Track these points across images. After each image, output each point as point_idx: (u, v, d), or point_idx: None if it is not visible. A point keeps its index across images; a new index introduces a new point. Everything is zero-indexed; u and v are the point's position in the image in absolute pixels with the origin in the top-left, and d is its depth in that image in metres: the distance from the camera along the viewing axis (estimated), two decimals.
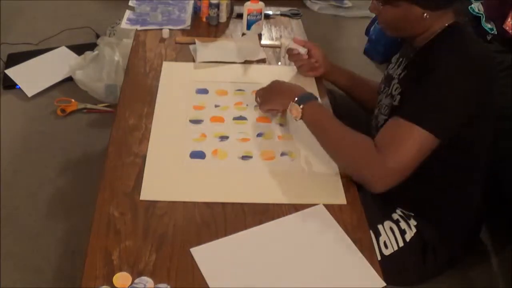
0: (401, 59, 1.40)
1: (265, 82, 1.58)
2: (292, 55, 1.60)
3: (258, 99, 1.44)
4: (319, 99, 1.41)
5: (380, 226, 1.35)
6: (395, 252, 1.34)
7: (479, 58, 1.21)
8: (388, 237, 1.34)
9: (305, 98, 1.29)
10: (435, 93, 1.16)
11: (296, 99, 1.29)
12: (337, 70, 1.64)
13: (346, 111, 1.62)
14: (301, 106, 1.27)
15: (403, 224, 1.36)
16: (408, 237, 1.35)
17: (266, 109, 1.41)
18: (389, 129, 1.19)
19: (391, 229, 1.35)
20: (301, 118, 1.28)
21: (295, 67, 1.64)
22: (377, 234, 1.34)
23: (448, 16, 1.25)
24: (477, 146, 1.32)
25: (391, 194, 1.32)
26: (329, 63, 1.62)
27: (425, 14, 1.22)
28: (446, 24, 1.25)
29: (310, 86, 1.58)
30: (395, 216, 1.38)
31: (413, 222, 1.36)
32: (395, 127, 1.17)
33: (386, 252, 1.33)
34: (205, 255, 1.05)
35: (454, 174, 1.33)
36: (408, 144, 1.14)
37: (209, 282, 1.00)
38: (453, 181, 1.34)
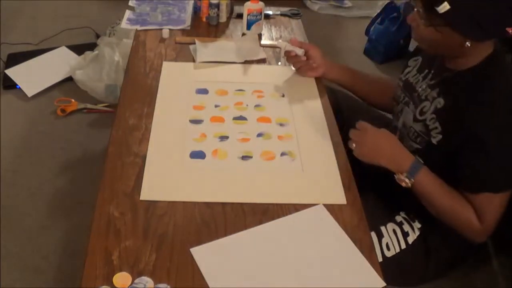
0: (427, 71, 1.35)
1: (265, 82, 1.58)
2: (290, 57, 1.59)
3: (353, 144, 1.27)
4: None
5: (382, 228, 1.35)
6: (397, 254, 1.33)
7: None
8: (391, 239, 1.34)
9: (415, 171, 1.22)
10: (503, 156, 1.18)
11: (406, 174, 1.23)
12: (337, 68, 1.63)
13: (347, 106, 1.62)
14: (411, 180, 1.23)
15: (406, 227, 1.35)
16: (410, 239, 1.34)
17: (364, 160, 1.28)
18: (485, 204, 1.20)
19: (394, 231, 1.35)
20: (410, 187, 1.25)
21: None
22: (380, 236, 1.33)
23: (488, 44, 1.22)
24: None
25: (396, 198, 1.32)
26: (328, 62, 1.61)
27: (467, 43, 1.17)
28: (487, 53, 1.21)
29: (310, 86, 1.58)
30: (399, 218, 1.37)
31: (417, 225, 1.35)
32: (491, 203, 1.20)
33: (388, 254, 1.33)
34: (205, 255, 1.05)
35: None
36: (502, 208, 1.21)
37: (209, 282, 1.00)
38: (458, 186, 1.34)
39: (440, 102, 1.26)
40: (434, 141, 1.26)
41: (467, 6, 1.12)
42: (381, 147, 1.25)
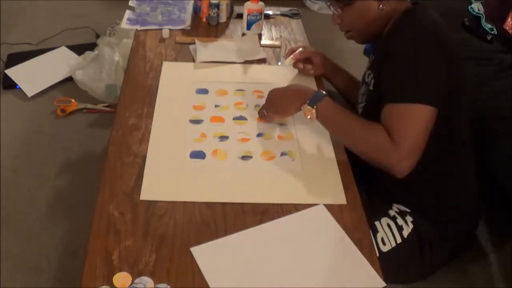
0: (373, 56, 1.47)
1: (265, 82, 1.58)
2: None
3: (265, 115, 1.40)
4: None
5: (377, 223, 1.35)
6: (393, 248, 1.34)
7: (432, 28, 1.25)
8: (386, 234, 1.34)
9: (317, 99, 1.28)
10: (409, 68, 1.20)
11: (308, 101, 1.28)
12: (337, 71, 1.67)
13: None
14: (314, 108, 1.27)
15: (400, 220, 1.36)
16: (405, 233, 1.35)
17: (280, 119, 1.41)
18: (390, 116, 1.21)
19: (388, 225, 1.35)
20: (316, 118, 1.28)
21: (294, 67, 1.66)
22: (375, 231, 1.34)
23: (404, 3, 1.32)
24: (456, 121, 1.33)
25: (385, 189, 1.33)
26: (330, 64, 1.65)
27: (380, 6, 1.31)
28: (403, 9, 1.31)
29: (310, 86, 1.58)
30: (392, 212, 1.39)
31: (409, 219, 1.37)
32: (395, 113, 1.20)
33: (384, 248, 1.33)
34: (205, 255, 1.05)
35: (441, 161, 1.34)
36: (413, 123, 1.18)
37: (209, 282, 1.00)
38: (443, 169, 1.36)
39: (372, 59, 1.45)
40: (370, 87, 1.37)
41: None
42: (281, 93, 1.37)
